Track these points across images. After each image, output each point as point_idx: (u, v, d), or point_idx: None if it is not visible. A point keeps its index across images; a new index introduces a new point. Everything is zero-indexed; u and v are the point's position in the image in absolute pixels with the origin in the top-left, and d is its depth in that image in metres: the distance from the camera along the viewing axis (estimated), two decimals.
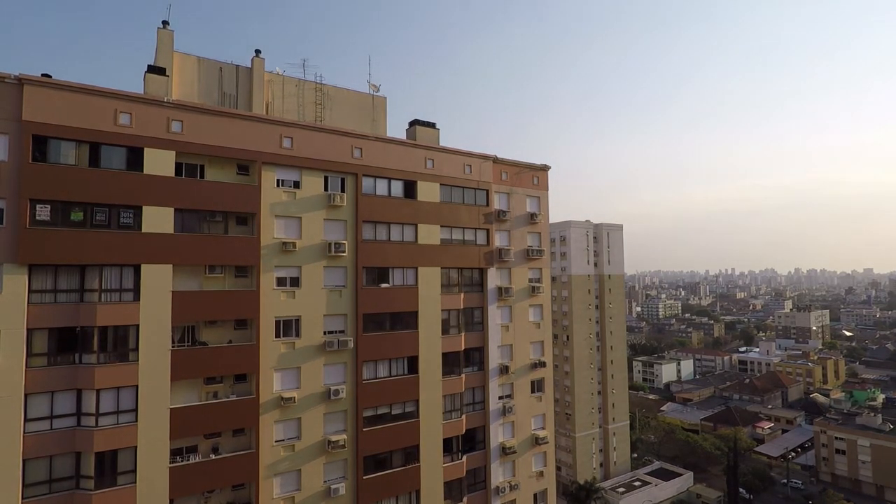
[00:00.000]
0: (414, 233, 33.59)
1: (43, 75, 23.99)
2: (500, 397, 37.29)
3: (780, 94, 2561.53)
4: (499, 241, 37.94)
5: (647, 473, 78.59)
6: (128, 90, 25.11)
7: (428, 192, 34.19)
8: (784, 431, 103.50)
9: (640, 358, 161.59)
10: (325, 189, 30.49)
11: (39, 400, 22.60)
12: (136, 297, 24.50)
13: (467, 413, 35.59)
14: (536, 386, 39.42)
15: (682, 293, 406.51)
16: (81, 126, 23.65)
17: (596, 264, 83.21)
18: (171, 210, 25.48)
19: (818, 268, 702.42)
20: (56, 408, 22.95)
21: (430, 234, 34.16)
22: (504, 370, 37.30)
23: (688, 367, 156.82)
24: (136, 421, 24.02)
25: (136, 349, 24.32)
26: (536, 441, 38.47)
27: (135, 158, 24.98)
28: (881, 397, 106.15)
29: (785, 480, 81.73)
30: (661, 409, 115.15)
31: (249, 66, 33.26)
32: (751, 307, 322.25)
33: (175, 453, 25.19)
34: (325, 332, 29.81)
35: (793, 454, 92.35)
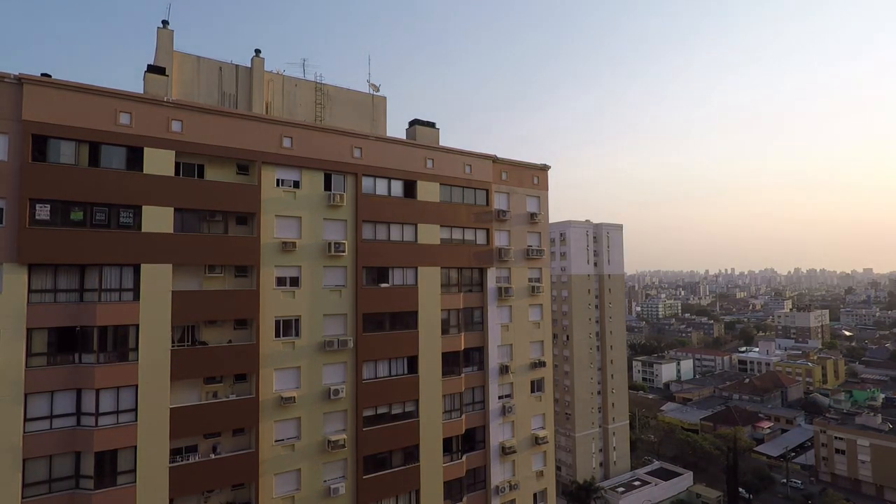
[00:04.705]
0: (414, 232, 33.59)
1: (43, 75, 24.00)
2: (500, 397, 37.28)
3: (784, 97, 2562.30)
4: (499, 240, 37.93)
5: (647, 473, 78.65)
6: (128, 90, 25.13)
7: (428, 191, 34.19)
8: (784, 431, 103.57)
9: (639, 358, 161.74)
10: (325, 189, 30.49)
11: (39, 400, 22.59)
12: (136, 297, 24.48)
13: (467, 413, 35.59)
14: (536, 386, 39.42)
15: (682, 293, 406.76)
16: (81, 126, 23.63)
17: (596, 264, 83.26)
18: (171, 210, 25.46)
19: (818, 268, 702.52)
20: (56, 407, 22.93)
21: (430, 234, 34.15)
22: (504, 370, 37.29)
23: (687, 366, 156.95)
24: (136, 421, 24.00)
25: (136, 349, 24.30)
26: (536, 441, 38.47)
27: (135, 158, 24.97)
28: (881, 397, 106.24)
29: (785, 480, 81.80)
30: (661, 408, 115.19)
31: (249, 65, 33.25)
32: (751, 307, 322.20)
33: (175, 453, 25.18)
34: (324, 332, 29.80)
35: (792, 454, 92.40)
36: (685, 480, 77.50)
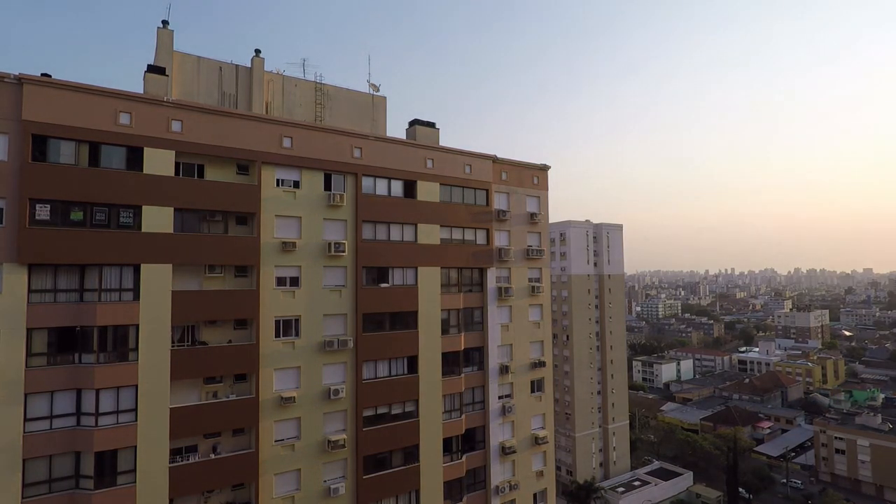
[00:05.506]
0: (414, 233, 33.59)
1: (43, 75, 24.00)
2: (500, 397, 37.28)
3: (784, 96, 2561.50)
4: (499, 240, 37.93)
5: (647, 473, 78.67)
6: (128, 90, 25.12)
7: (428, 191, 34.19)
8: (784, 431, 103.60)
9: (639, 358, 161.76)
10: (325, 189, 30.49)
11: (39, 400, 22.58)
12: (136, 297, 24.48)
13: (467, 413, 35.59)
14: (536, 386, 39.43)
15: (682, 293, 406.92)
16: (81, 126, 23.62)
17: (596, 264, 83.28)
18: (171, 210, 25.46)
19: (818, 268, 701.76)
20: (56, 407, 22.93)
21: (430, 234, 34.16)
22: (504, 370, 37.29)
23: (687, 366, 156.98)
24: (136, 421, 24.00)
25: (136, 349, 24.30)
26: (536, 441, 38.47)
27: (135, 158, 24.96)
28: (881, 397, 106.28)
29: (785, 480, 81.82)
30: (661, 408, 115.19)
31: (249, 65, 33.26)
32: (751, 307, 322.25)
33: (175, 453, 25.19)
34: (324, 332, 29.80)
35: (792, 454, 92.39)
36: (685, 480, 77.53)
